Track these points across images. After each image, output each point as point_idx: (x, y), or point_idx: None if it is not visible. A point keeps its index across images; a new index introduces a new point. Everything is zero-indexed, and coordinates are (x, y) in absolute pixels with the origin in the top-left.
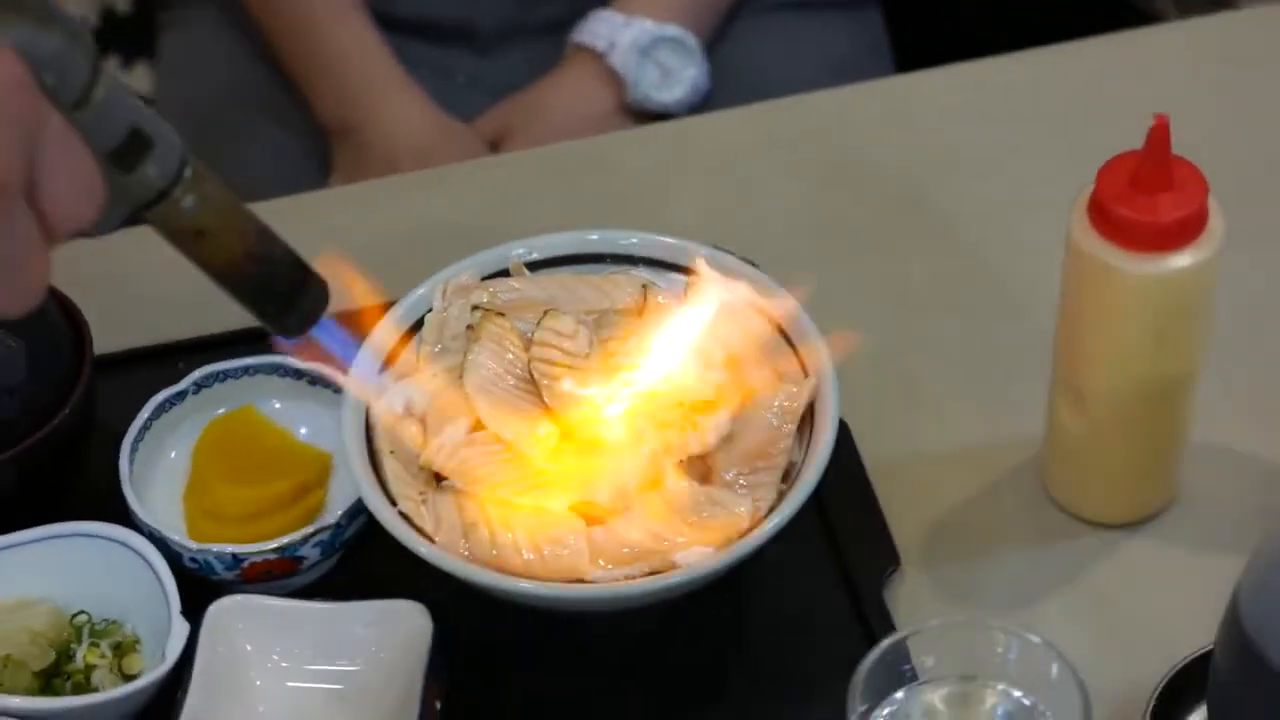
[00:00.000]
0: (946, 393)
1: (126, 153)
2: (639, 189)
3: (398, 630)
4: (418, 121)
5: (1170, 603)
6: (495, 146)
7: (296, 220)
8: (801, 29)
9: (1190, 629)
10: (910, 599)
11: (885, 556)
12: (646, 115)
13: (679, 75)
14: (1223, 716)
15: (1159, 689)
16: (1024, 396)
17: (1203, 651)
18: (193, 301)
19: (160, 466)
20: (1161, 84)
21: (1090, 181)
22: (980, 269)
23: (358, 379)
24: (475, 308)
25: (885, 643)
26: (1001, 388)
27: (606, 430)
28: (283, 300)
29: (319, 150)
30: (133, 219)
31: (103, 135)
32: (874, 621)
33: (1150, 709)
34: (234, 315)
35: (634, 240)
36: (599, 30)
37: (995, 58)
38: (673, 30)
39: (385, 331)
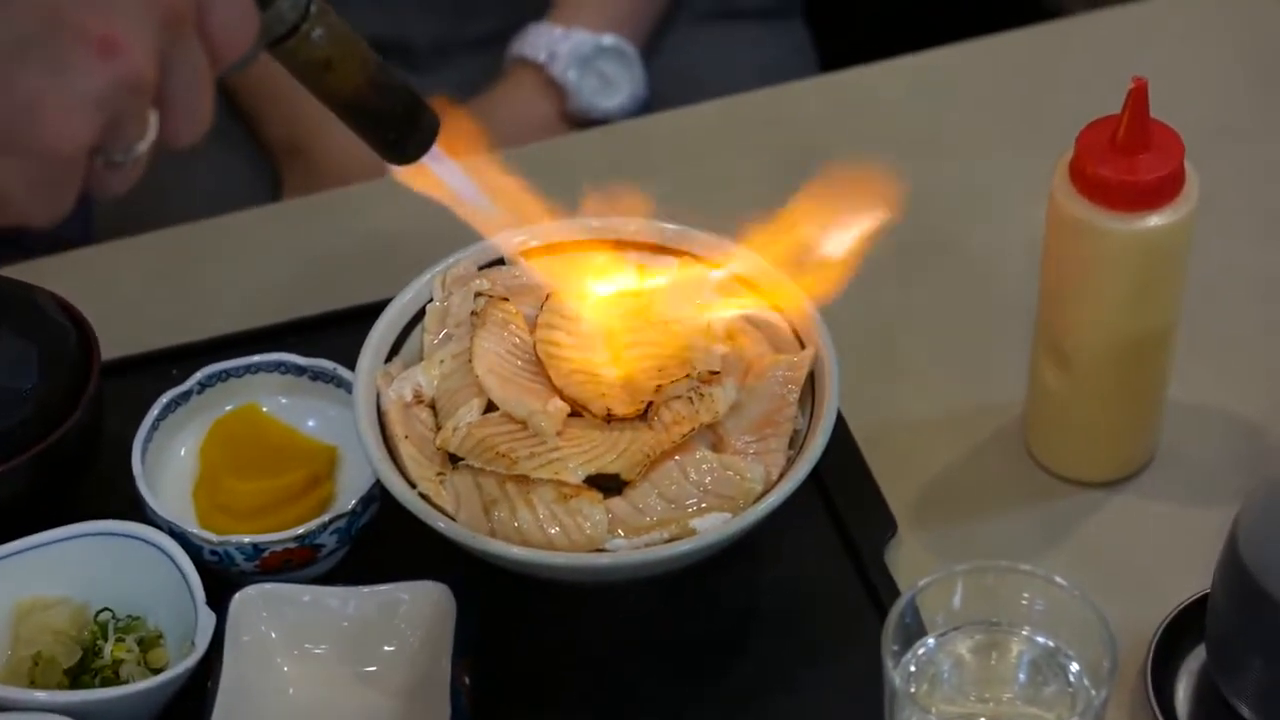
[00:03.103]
0: (925, 362)
1: None
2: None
3: (421, 610)
4: None
5: (1155, 555)
6: None
7: (259, 232)
8: (731, 37)
9: (1177, 579)
10: (909, 562)
11: (883, 523)
12: (586, 123)
13: (619, 83)
14: (1223, 653)
15: (1158, 634)
16: (1000, 362)
17: (1198, 596)
18: (179, 312)
19: (168, 466)
20: (1089, 68)
21: (1067, 148)
22: (947, 244)
23: (366, 369)
24: (479, 294)
25: (917, 585)
26: (977, 355)
27: (616, 404)
28: (402, 126)
29: (266, 171)
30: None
31: None
32: (879, 585)
33: (1151, 653)
34: (219, 323)
35: (632, 227)
36: (538, 42)
37: (936, 49)
38: (611, 40)
39: (388, 322)
